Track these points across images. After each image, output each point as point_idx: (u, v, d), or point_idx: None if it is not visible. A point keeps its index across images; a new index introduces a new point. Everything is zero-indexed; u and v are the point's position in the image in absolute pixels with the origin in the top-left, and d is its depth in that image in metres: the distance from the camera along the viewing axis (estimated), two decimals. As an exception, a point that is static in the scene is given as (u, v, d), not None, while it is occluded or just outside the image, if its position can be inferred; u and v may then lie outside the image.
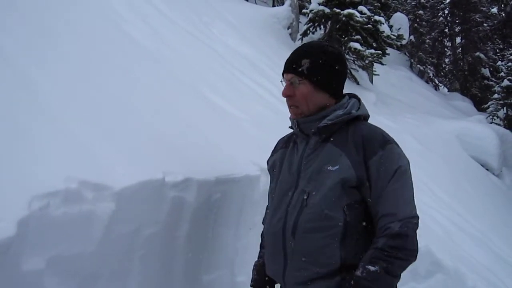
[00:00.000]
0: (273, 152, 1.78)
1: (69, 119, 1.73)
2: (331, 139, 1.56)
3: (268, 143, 1.92)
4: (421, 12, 16.56)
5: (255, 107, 4.27)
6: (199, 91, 3.68)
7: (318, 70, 1.56)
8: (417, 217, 1.44)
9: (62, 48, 2.40)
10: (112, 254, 1.52)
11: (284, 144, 1.73)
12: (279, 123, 3.15)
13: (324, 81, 1.57)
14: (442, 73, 18.55)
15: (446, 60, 19.09)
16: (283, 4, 9.31)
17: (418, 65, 15.67)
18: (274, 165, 1.71)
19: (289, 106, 1.63)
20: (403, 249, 1.39)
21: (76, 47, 2.55)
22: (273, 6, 10.90)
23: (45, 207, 1.28)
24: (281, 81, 1.65)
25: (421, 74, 16.22)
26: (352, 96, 1.68)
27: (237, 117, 3.65)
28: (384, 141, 1.51)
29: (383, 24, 7.70)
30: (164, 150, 2.07)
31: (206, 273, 2.09)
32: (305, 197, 1.51)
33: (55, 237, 1.31)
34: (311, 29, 8.30)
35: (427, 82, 16.23)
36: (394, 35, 7.95)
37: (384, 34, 7.79)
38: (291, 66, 1.58)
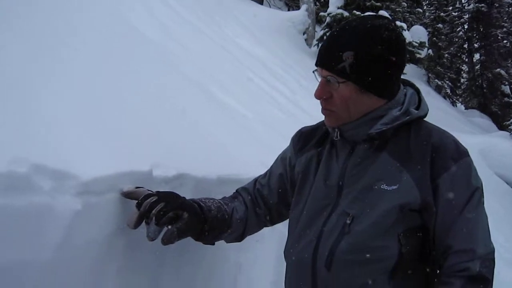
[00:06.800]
0: (300, 148, 1.41)
1: (39, 92, 1.38)
2: (386, 147, 1.21)
3: (279, 145, 1.63)
4: (440, 25, 16.21)
5: (267, 109, 4.07)
6: (207, 89, 3.45)
7: (366, 67, 1.17)
8: (494, 251, 1.14)
9: (65, 39, 2.09)
10: (76, 265, 1.15)
11: (316, 143, 1.37)
12: (292, 126, 2.83)
13: (374, 81, 1.19)
14: (460, 89, 18.16)
15: (464, 75, 18.70)
16: (298, 8, 9.02)
17: (436, 80, 15.25)
18: (308, 168, 1.34)
19: (323, 109, 1.26)
20: None
21: (81, 38, 2.24)
22: (288, 10, 10.65)
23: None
24: (313, 72, 1.28)
25: (439, 89, 15.81)
26: (406, 83, 1.30)
27: (247, 118, 3.44)
28: (458, 153, 1.17)
29: (405, 30, 7.36)
30: (156, 142, 1.72)
31: (202, 292, 1.73)
32: (348, 221, 1.18)
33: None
34: (328, 34, 7.99)
35: (444, 97, 15.82)
36: (416, 42, 7.60)
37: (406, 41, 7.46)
38: (328, 62, 1.20)
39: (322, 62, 1.23)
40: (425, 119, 1.29)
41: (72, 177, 1.14)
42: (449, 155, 1.16)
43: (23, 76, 1.36)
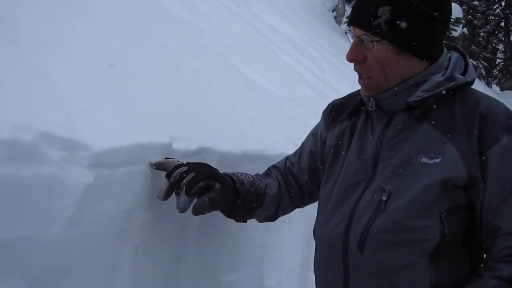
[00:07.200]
0: (332, 120, 1.31)
1: (50, 55, 1.29)
2: (428, 116, 1.09)
3: (309, 123, 1.54)
4: (476, 3, 15.49)
5: (296, 86, 3.94)
6: (232, 64, 3.36)
7: (404, 24, 1.05)
8: None
9: (89, 10, 2.00)
10: (88, 243, 1.07)
11: (349, 114, 1.26)
12: (322, 103, 2.73)
13: (413, 39, 1.07)
14: (496, 69, 17.43)
15: (501, 55, 17.92)
16: (328, -15, 8.74)
17: (471, 60, 14.69)
18: (341, 141, 1.24)
19: (359, 78, 1.16)
20: None
21: (105, 11, 2.16)
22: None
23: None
24: (346, 33, 1.17)
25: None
26: (450, 47, 1.17)
27: (275, 94, 3.34)
28: (510, 123, 1.05)
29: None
30: (178, 114, 1.62)
31: (225, 273, 1.66)
32: (384, 198, 1.08)
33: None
34: None
35: (479, 78, 15.23)
36: (452, 18, 7.26)
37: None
38: (361, 19, 1.09)
39: (355, 19, 1.13)
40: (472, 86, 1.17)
41: (83, 147, 1.04)
42: (499, 125, 1.04)
43: (33, 37, 1.27)
